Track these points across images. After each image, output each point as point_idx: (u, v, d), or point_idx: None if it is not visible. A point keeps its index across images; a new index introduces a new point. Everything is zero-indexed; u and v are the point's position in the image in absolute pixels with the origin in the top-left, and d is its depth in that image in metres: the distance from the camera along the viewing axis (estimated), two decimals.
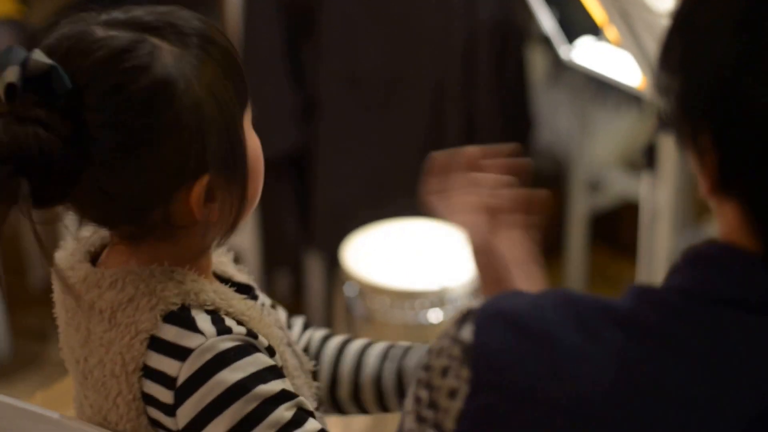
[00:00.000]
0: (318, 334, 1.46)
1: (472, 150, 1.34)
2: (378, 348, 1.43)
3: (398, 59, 2.88)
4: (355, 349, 1.44)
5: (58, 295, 1.26)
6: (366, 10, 2.85)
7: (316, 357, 1.43)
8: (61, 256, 1.26)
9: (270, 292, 3.06)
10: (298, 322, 1.47)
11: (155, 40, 1.16)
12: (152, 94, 1.14)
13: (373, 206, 2.81)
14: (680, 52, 0.95)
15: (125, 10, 1.19)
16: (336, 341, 1.45)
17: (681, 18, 0.96)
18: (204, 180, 1.18)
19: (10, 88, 1.12)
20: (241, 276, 1.34)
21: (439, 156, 1.35)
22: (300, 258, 3.04)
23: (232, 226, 1.23)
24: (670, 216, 2.33)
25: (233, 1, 3.00)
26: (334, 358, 1.44)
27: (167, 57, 1.15)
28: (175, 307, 1.18)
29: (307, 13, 2.86)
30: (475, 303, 0.96)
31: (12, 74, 1.12)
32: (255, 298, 1.31)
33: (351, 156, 2.91)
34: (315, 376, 1.40)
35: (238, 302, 1.22)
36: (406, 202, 2.84)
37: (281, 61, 2.85)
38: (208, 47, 1.18)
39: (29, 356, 3.07)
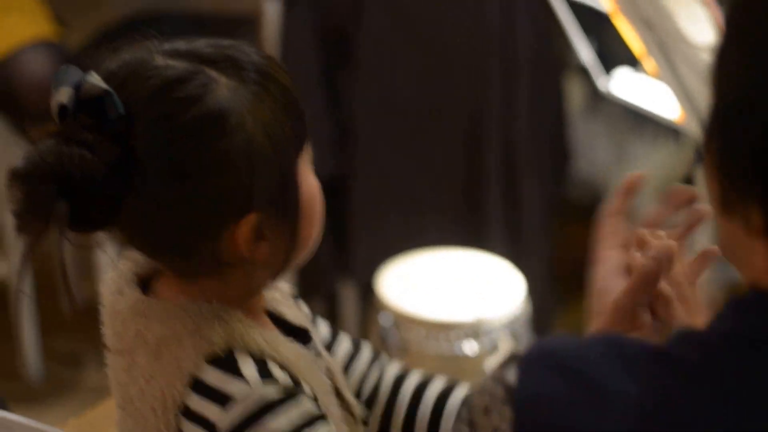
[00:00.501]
0: (390, 373, 1.40)
1: (678, 189, 1.26)
2: (458, 394, 1.37)
3: (436, 88, 2.88)
4: (433, 396, 1.37)
5: (107, 317, 1.25)
6: (403, 38, 2.86)
7: (389, 402, 1.38)
8: (111, 278, 1.25)
9: None
10: (366, 352, 1.40)
11: (212, 73, 1.15)
12: (202, 126, 1.13)
13: (409, 235, 2.81)
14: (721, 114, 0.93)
15: (188, 41, 1.18)
16: (410, 384, 1.38)
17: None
18: (252, 218, 1.16)
19: (62, 109, 1.12)
20: (297, 316, 1.31)
21: (633, 177, 1.28)
22: (334, 286, 3.04)
23: (282, 267, 1.22)
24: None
25: (270, 29, 3.02)
26: (407, 409, 1.38)
27: (222, 90, 1.14)
28: (219, 349, 1.16)
29: (344, 40, 2.87)
30: (521, 348, 0.96)
31: (65, 95, 1.12)
32: (307, 340, 1.28)
33: (387, 184, 2.91)
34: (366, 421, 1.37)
35: (286, 348, 1.20)
36: (442, 231, 2.85)
37: (318, 89, 2.86)
38: (267, 84, 1.17)
39: (62, 382, 3.07)
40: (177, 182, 1.14)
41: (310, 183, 1.22)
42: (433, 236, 2.74)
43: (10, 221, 3.03)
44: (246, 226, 1.16)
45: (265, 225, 1.17)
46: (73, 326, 2.99)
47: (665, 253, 1.16)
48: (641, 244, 1.21)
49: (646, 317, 1.19)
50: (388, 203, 2.92)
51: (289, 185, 1.19)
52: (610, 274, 1.22)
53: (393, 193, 2.92)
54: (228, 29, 3.34)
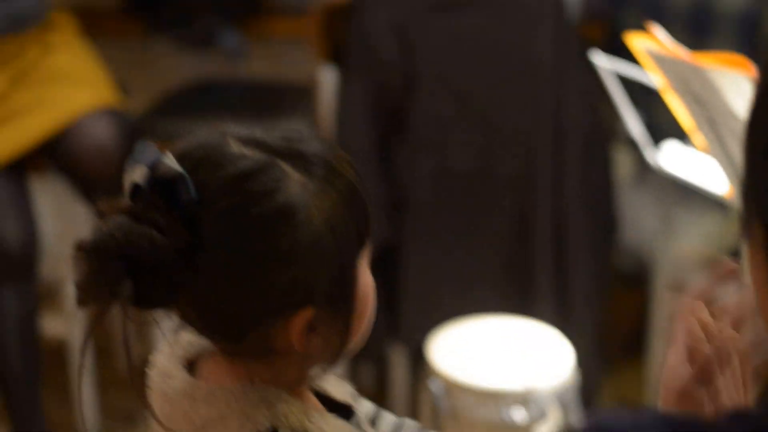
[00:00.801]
0: None
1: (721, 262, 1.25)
2: None
3: (486, 157, 2.91)
4: None
5: (155, 399, 1.24)
6: (456, 107, 2.90)
7: None
8: (159, 360, 1.26)
9: (353, 384, 3.08)
10: (410, 428, 1.41)
11: (284, 166, 1.15)
12: (272, 220, 1.14)
13: (459, 301, 2.83)
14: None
15: (261, 130, 1.19)
16: None
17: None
18: (307, 312, 1.16)
19: (135, 187, 1.13)
20: (340, 391, 1.32)
21: (728, 265, 1.25)
22: (385, 351, 3.06)
23: (330, 360, 1.22)
24: (752, 322, 2.33)
25: (326, 98, 3.07)
26: None
27: (293, 185, 1.14)
28: (263, 429, 1.17)
29: (398, 110, 2.91)
30: (577, 422, 0.99)
31: (140, 175, 1.13)
32: (350, 416, 1.28)
33: (438, 250, 2.94)
34: None
35: (329, 425, 1.20)
36: (491, 297, 2.88)
37: (372, 157, 2.90)
38: (334, 179, 1.17)
39: None
40: (240, 271, 1.14)
41: (366, 280, 1.22)
42: (483, 303, 2.76)
43: (68, 283, 3.10)
44: (300, 319, 1.17)
45: (318, 319, 1.17)
46: (128, 383, 3.03)
47: (725, 347, 1.16)
48: (707, 334, 1.19)
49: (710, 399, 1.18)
50: (438, 269, 2.94)
51: (348, 283, 1.19)
52: (681, 359, 1.20)
53: (444, 259, 2.94)
54: (284, 97, 3.40)
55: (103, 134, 2.84)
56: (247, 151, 1.16)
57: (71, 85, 2.89)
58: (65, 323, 3.13)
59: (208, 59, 3.67)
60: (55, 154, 2.87)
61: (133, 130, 2.94)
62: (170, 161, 1.13)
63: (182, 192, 1.12)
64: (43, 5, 2.90)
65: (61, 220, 3.16)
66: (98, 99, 2.91)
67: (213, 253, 1.13)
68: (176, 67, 3.74)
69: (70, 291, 3.06)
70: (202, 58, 3.69)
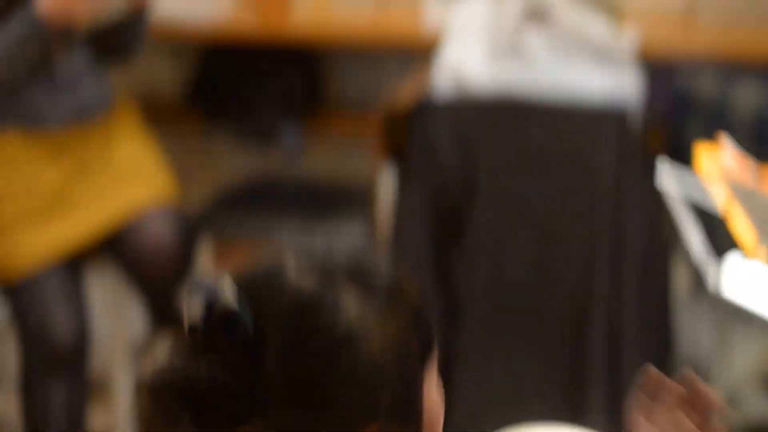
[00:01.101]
0: None
1: (687, 379, 1.29)
2: None
3: (543, 267, 2.91)
4: None
5: None
6: (514, 216, 2.90)
7: None
8: None
9: None
10: None
11: (345, 293, 1.15)
12: (331, 350, 1.14)
13: (513, 411, 2.81)
14: None
15: (323, 252, 1.19)
16: None
17: None
18: (374, 428, 1.16)
19: (193, 323, 1.14)
20: None
21: (653, 373, 1.31)
22: None
23: None
24: None
25: (385, 198, 3.07)
26: None
27: (352, 311, 1.15)
28: None
29: (456, 217, 2.92)
30: None
31: (197, 313, 1.13)
32: None
33: (492, 359, 2.92)
34: None
35: None
36: (545, 409, 2.85)
37: (428, 262, 2.90)
38: (396, 301, 1.17)
39: None
40: (302, 398, 1.14)
41: (433, 394, 1.22)
42: (536, 413, 2.73)
43: (117, 377, 3.10)
44: None
45: None
46: None
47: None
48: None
49: None
50: (491, 378, 2.93)
51: (413, 398, 1.19)
52: None
53: (497, 368, 2.93)
54: (343, 197, 3.40)
55: (161, 233, 2.84)
56: (306, 280, 1.16)
57: (131, 181, 2.90)
58: (113, 417, 3.12)
59: (266, 154, 3.69)
60: (112, 250, 2.87)
61: (191, 228, 2.94)
62: (227, 296, 1.13)
63: (240, 328, 1.13)
64: (107, 96, 2.92)
65: (114, 313, 3.17)
66: (157, 195, 2.91)
67: (273, 384, 1.13)
68: (234, 159, 3.75)
69: (119, 385, 3.07)
70: (260, 153, 3.70)
